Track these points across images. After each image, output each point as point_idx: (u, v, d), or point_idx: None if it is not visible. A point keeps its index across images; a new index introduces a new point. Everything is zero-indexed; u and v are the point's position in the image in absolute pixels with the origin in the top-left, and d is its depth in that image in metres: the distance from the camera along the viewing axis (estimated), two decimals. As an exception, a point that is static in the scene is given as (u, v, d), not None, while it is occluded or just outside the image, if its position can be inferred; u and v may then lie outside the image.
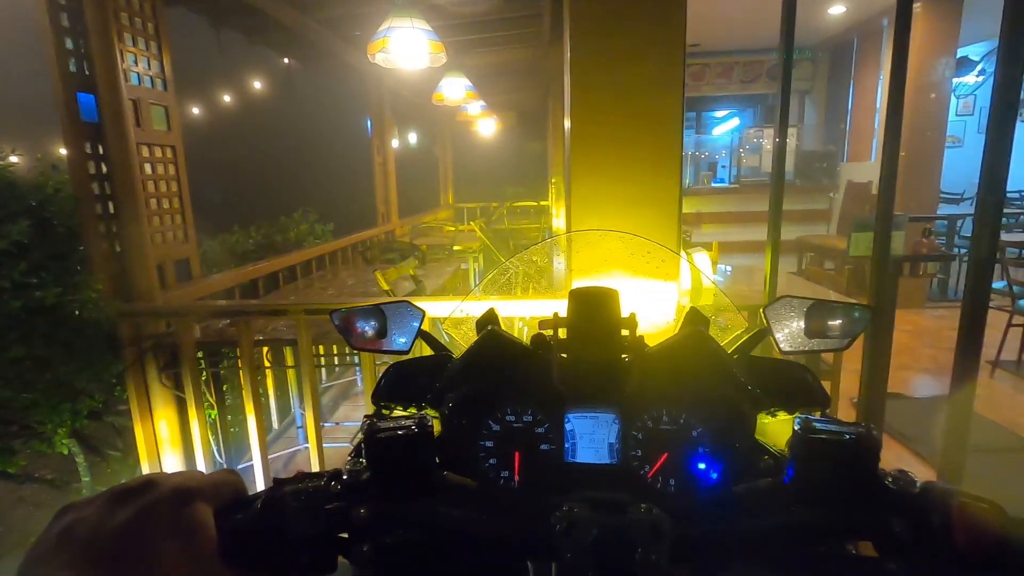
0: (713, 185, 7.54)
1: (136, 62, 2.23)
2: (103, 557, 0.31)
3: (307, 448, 2.61)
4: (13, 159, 2.67)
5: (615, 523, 0.37)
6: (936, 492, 0.37)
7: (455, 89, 3.98)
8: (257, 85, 7.95)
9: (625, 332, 0.54)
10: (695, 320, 0.58)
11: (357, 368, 3.56)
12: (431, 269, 4.18)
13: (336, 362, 3.29)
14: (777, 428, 0.55)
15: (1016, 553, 0.33)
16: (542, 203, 7.83)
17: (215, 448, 2.56)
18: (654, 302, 1.51)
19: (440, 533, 0.41)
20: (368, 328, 0.68)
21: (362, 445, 0.45)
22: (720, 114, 8.99)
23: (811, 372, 0.57)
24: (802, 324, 0.60)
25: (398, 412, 0.60)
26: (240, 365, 2.15)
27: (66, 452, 2.30)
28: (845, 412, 2.40)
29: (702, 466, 0.51)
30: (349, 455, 0.53)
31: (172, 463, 2.31)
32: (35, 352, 1.83)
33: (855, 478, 0.38)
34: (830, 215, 6.77)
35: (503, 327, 0.61)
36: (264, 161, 15.89)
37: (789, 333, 0.60)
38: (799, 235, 6.20)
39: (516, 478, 0.53)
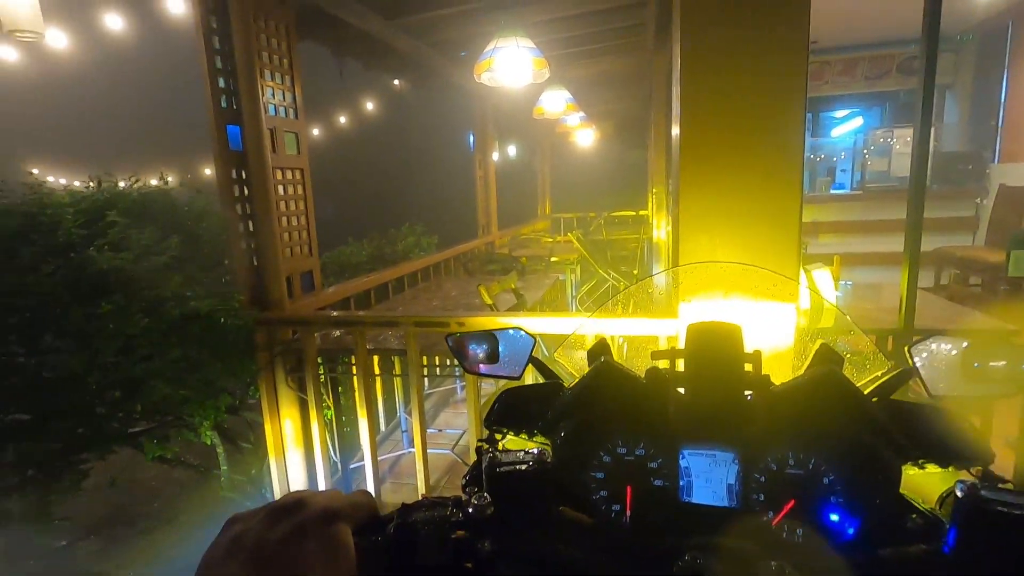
0: (832, 192, 6.94)
1: (273, 95, 2.49)
2: (266, 565, 0.35)
3: (411, 452, 2.74)
4: (170, 179, 3.08)
5: None
6: None
7: (555, 102, 4.02)
8: (370, 107, 8.56)
9: (748, 367, 0.52)
10: (828, 358, 0.54)
11: (457, 377, 3.68)
12: (530, 282, 4.22)
13: (438, 372, 3.43)
14: (926, 483, 0.50)
15: None
16: (641, 213, 7.64)
17: (331, 446, 2.77)
18: (770, 327, 1.41)
19: (559, 571, 0.42)
20: (480, 352, 0.70)
21: (481, 474, 0.46)
22: (840, 114, 8.25)
23: (970, 422, 0.51)
24: (955, 365, 0.54)
25: (510, 437, 0.62)
26: (355, 371, 2.31)
27: (209, 442, 2.60)
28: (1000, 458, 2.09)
29: (835, 517, 0.47)
30: (464, 478, 0.55)
31: (295, 458, 2.53)
32: (189, 354, 2.12)
33: None
34: (976, 223, 5.95)
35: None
36: (375, 177, 17.04)
37: (940, 375, 0.54)
38: (937, 246, 5.52)
39: (627, 512, 0.52)
